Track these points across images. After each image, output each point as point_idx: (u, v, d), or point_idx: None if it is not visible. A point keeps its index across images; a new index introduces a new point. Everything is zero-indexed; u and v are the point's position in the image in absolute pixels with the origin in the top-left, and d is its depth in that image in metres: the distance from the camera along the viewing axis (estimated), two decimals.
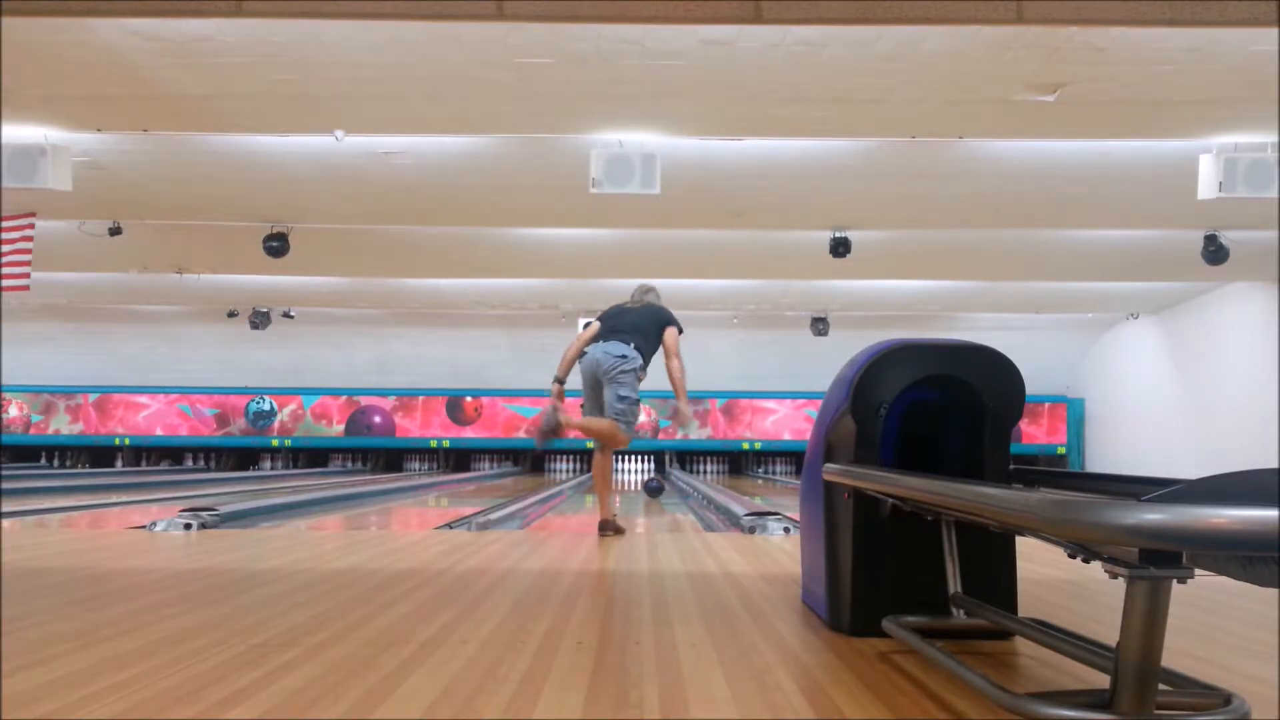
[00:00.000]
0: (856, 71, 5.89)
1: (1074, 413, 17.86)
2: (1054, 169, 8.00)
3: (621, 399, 5.45)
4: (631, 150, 7.23)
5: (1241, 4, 4.27)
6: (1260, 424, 12.28)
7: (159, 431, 18.07)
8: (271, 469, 18.13)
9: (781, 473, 17.87)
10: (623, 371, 5.47)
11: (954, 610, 2.62)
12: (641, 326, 5.66)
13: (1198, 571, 1.59)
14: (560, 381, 5.68)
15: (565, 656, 2.44)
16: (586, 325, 5.77)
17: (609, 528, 5.61)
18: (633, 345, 5.53)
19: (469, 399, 17.98)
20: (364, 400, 18.00)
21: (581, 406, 5.67)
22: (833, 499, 2.84)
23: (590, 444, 6.18)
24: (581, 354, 5.61)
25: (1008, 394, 2.70)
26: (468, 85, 6.20)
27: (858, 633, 2.69)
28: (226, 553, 4.57)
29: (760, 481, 16.25)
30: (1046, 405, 17.63)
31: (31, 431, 18.03)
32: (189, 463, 18.49)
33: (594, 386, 5.57)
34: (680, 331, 5.75)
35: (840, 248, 9.87)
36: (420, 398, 18.01)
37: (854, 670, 2.34)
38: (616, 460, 18.29)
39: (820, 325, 15.46)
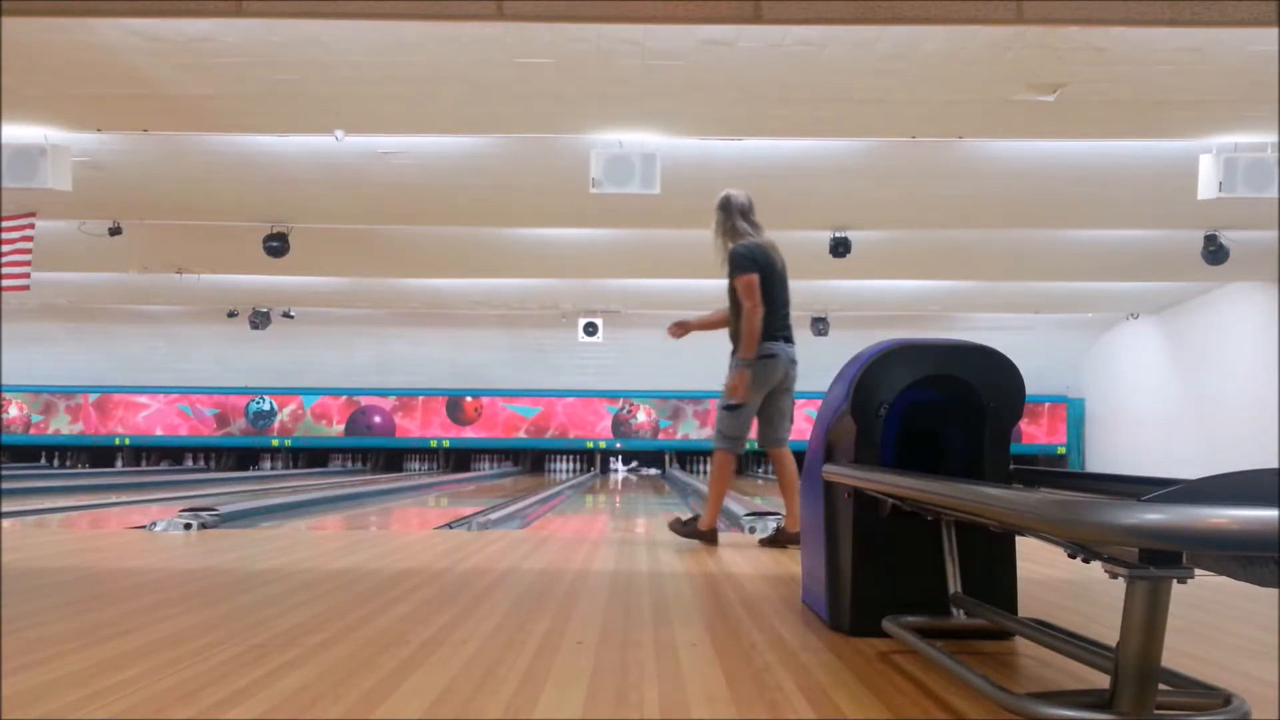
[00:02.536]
0: (856, 71, 5.90)
1: (1074, 413, 17.85)
2: (1054, 169, 8.00)
3: (792, 403, 5.07)
4: (631, 150, 7.23)
5: (1241, 4, 4.27)
6: (1260, 424, 12.28)
7: (159, 431, 18.06)
8: (271, 469, 18.13)
9: None
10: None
11: (954, 610, 2.62)
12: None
13: (1198, 571, 1.58)
14: (751, 365, 4.80)
15: (565, 656, 2.44)
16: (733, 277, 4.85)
17: (710, 538, 4.88)
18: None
19: (469, 399, 17.98)
20: (364, 400, 17.99)
21: (728, 409, 4.91)
22: (833, 499, 2.84)
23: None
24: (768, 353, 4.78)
25: (1008, 394, 2.70)
26: (468, 85, 6.20)
27: (858, 633, 2.68)
28: (226, 553, 4.56)
29: (760, 482, 16.23)
30: (1046, 405, 17.62)
31: (31, 431, 18.03)
32: (189, 463, 18.49)
33: (770, 390, 4.92)
34: None
35: (840, 248, 9.87)
36: (420, 398, 18.01)
37: (854, 670, 2.34)
38: (616, 460, 18.43)
39: (820, 325, 15.45)
